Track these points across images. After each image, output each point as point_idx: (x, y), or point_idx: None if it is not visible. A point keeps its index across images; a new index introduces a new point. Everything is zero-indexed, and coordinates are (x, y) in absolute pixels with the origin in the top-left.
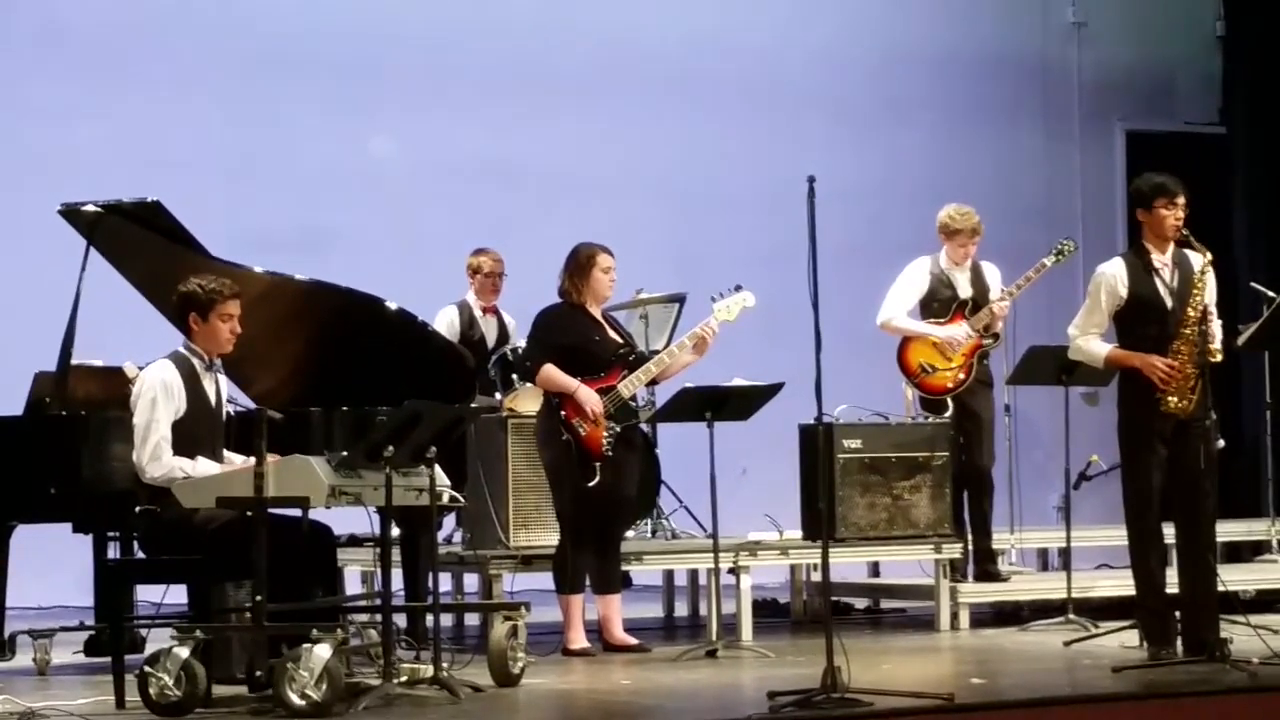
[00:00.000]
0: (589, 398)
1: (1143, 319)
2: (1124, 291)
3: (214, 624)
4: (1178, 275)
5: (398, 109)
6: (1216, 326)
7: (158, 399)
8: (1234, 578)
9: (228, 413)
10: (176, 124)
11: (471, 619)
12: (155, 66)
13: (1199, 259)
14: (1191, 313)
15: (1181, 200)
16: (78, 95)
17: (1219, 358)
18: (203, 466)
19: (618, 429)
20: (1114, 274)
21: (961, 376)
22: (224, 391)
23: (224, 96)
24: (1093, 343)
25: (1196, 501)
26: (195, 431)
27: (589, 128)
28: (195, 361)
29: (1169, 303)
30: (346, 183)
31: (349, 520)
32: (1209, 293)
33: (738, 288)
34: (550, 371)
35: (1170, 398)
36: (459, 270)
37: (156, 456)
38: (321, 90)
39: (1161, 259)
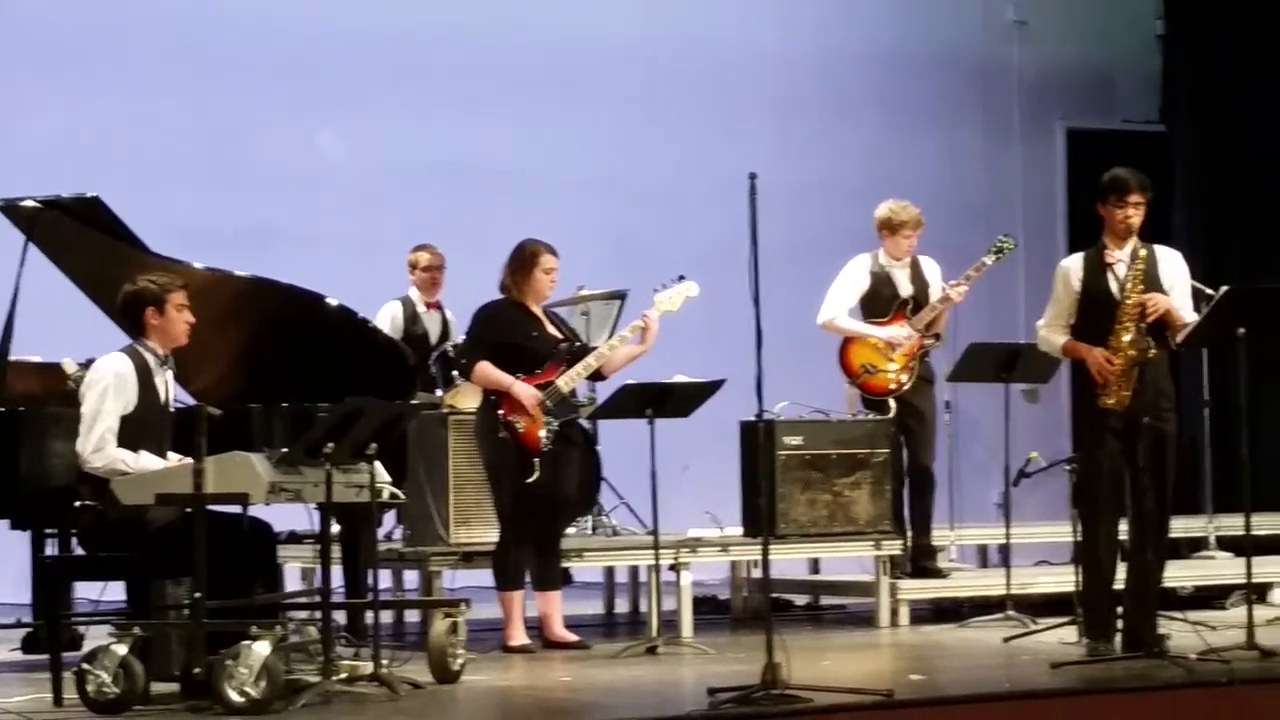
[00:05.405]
0: (525, 392)
1: (1094, 313)
2: (1077, 285)
3: (153, 621)
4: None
5: (346, 107)
6: (1182, 314)
7: (109, 390)
8: (1172, 574)
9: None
10: (125, 121)
11: (411, 616)
12: (102, 64)
13: (1170, 254)
14: (1129, 306)
15: (1134, 198)
16: (28, 92)
17: (1174, 345)
18: (144, 460)
19: (556, 425)
20: (1069, 268)
21: (904, 378)
22: (172, 390)
23: (172, 93)
24: (1055, 334)
25: (1135, 498)
26: (143, 428)
27: (534, 126)
28: (149, 358)
29: (1119, 297)
30: (294, 180)
31: (289, 517)
32: (1179, 283)
33: (681, 278)
34: (485, 368)
35: (1109, 393)
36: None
37: (100, 447)
38: (270, 88)
39: (1118, 254)
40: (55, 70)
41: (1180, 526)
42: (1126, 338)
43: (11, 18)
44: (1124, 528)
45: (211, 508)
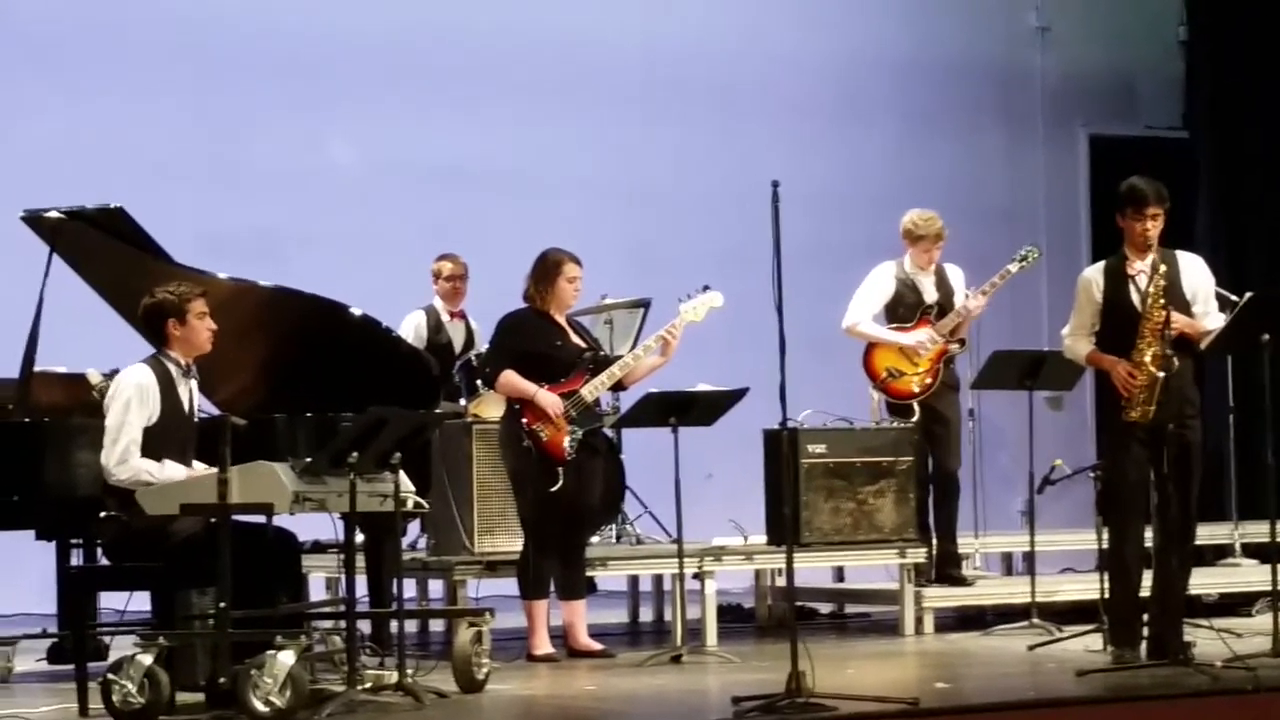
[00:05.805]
0: (548, 400)
1: (1117, 322)
2: (1099, 296)
3: (178, 631)
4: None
5: (346, 107)
6: (1209, 321)
7: (132, 402)
8: (1197, 581)
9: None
10: (125, 121)
11: (436, 625)
12: (102, 64)
13: (1192, 261)
14: (1150, 324)
15: (1151, 210)
16: (28, 92)
17: (1202, 346)
18: (169, 470)
19: (580, 434)
20: (1091, 278)
21: (928, 381)
22: (196, 399)
23: (172, 93)
24: (1079, 343)
25: (1160, 505)
26: (167, 438)
27: (552, 131)
28: (172, 368)
29: (1141, 309)
30: (294, 180)
31: (313, 526)
32: (1202, 290)
33: (705, 288)
34: (510, 377)
35: (1133, 406)
36: (420, 274)
37: (124, 459)
38: (270, 88)
39: (1139, 265)
40: (55, 70)
41: (1205, 533)
42: (1148, 355)
43: (11, 18)
44: (1149, 535)
45: (236, 517)
